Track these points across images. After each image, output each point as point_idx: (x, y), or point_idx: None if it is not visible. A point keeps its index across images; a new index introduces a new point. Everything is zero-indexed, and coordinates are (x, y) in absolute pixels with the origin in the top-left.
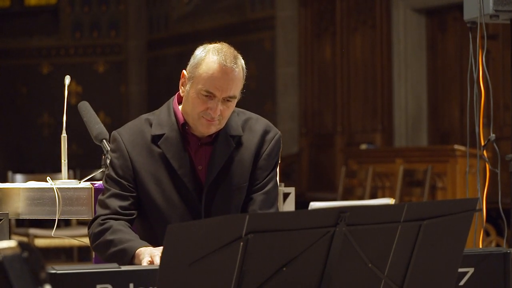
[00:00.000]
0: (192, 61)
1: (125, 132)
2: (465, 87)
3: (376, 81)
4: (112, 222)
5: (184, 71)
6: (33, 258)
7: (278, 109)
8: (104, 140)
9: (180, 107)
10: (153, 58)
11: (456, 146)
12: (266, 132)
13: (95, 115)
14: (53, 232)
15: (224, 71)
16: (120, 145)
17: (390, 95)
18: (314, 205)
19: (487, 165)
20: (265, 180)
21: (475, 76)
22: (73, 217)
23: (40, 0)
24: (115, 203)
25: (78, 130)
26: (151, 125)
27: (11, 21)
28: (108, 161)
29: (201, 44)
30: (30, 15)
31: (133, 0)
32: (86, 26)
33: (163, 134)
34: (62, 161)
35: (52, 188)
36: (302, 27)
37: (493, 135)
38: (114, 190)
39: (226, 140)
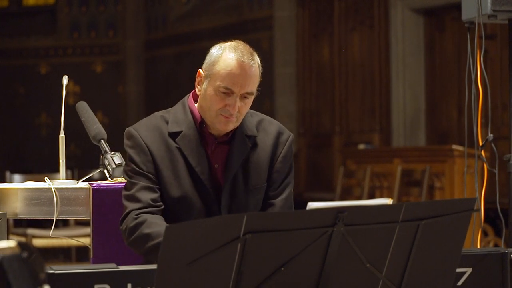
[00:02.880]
0: (209, 59)
1: (141, 128)
2: (463, 87)
3: (374, 81)
4: (146, 215)
5: (200, 70)
6: (32, 258)
7: (276, 109)
8: (102, 140)
9: (195, 105)
10: (151, 58)
11: (454, 146)
12: (280, 134)
13: (93, 115)
14: (51, 232)
15: (242, 67)
16: (139, 140)
17: (388, 95)
18: (312, 205)
19: (485, 165)
20: (283, 184)
21: (473, 76)
22: (71, 217)
23: (38, 0)
24: (146, 196)
25: (76, 130)
26: (167, 123)
27: (9, 21)
28: (106, 161)
29: (200, 44)
30: (28, 15)
31: (131, 0)
32: (84, 26)
33: (180, 132)
34: (60, 161)
35: (50, 188)
36: (300, 27)
37: (491, 135)
38: (142, 183)
39: (243, 139)
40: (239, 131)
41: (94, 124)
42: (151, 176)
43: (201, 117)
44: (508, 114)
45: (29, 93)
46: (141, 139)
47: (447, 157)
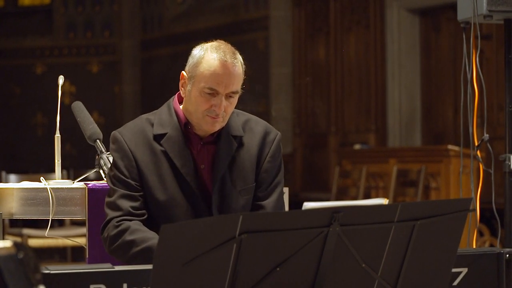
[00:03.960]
0: (191, 61)
1: (126, 132)
2: (458, 87)
3: (369, 81)
4: (128, 223)
5: (183, 72)
6: (28, 258)
7: (272, 109)
8: (97, 140)
9: (181, 106)
10: (147, 58)
11: (450, 146)
12: (266, 134)
13: (89, 115)
14: (46, 232)
15: (226, 67)
16: (123, 145)
17: (383, 95)
18: (307, 205)
19: (480, 165)
20: (272, 184)
21: (468, 76)
22: (67, 217)
23: (34, 0)
24: (126, 204)
25: (72, 130)
26: (152, 125)
27: (5, 21)
28: (102, 161)
29: (195, 44)
30: (24, 15)
31: (126, 0)
32: (80, 26)
33: (165, 134)
34: (56, 161)
35: (46, 188)
36: (296, 27)
37: (487, 135)
38: (122, 191)
39: (228, 139)
40: (225, 131)
41: (89, 124)
42: (133, 183)
43: (186, 118)
44: (504, 114)
45: (25, 93)
46: (125, 144)
47: (442, 157)
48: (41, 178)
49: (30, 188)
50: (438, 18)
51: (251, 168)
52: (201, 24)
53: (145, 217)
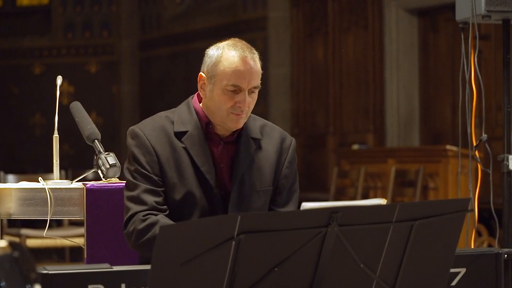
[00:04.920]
0: (209, 61)
1: (146, 128)
2: (457, 87)
3: (368, 82)
4: (155, 217)
5: (201, 73)
6: (23, 258)
7: (270, 110)
8: (96, 141)
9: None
10: (145, 58)
11: (448, 147)
12: (283, 140)
13: (87, 115)
14: (45, 232)
15: (246, 63)
16: (144, 140)
17: (382, 95)
18: (306, 205)
19: (479, 166)
20: (291, 190)
21: (467, 76)
22: (65, 218)
23: (32, 0)
24: (150, 199)
25: (70, 130)
26: (172, 123)
27: (3, 21)
28: (100, 162)
29: (194, 44)
30: (22, 15)
31: (125, 0)
32: (78, 26)
33: (186, 131)
34: (54, 161)
35: (44, 189)
36: (294, 27)
37: (485, 135)
38: (145, 185)
39: (248, 140)
40: (245, 132)
41: (88, 125)
42: (155, 178)
43: (206, 117)
44: (502, 114)
45: (23, 93)
46: (147, 139)
47: (441, 157)
48: (39, 178)
49: (28, 189)
50: (436, 18)
51: (269, 171)
52: (199, 25)
53: (167, 212)
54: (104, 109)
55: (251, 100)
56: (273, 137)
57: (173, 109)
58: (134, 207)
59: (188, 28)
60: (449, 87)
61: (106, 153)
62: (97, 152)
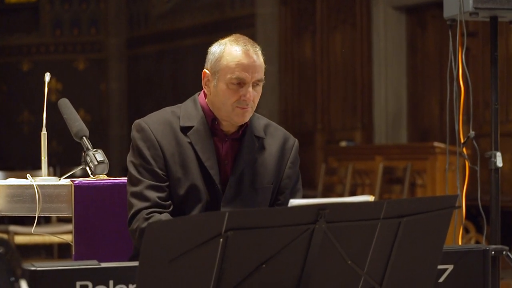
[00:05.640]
0: (212, 57)
1: (152, 122)
2: (445, 84)
3: (356, 79)
4: (159, 215)
5: (204, 70)
6: (9, 253)
7: (258, 107)
8: (84, 137)
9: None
10: (133, 55)
11: (436, 144)
12: (286, 140)
13: (75, 112)
14: (33, 229)
15: (249, 56)
16: (149, 134)
17: (370, 92)
18: (293, 202)
19: (466, 162)
20: (294, 189)
21: (454, 73)
22: (53, 214)
23: None
24: (153, 195)
25: (58, 127)
26: (178, 118)
27: None
28: (88, 158)
29: (182, 41)
30: (10, 13)
31: None
32: (66, 23)
33: (192, 126)
34: (42, 158)
35: (32, 185)
36: (282, 25)
37: (473, 132)
38: (149, 181)
39: (252, 138)
40: (249, 130)
41: (76, 121)
42: (160, 172)
43: (212, 113)
44: (490, 111)
45: (11, 91)
46: (152, 133)
47: (428, 154)
48: (28, 175)
49: (16, 185)
50: (424, 16)
51: (270, 170)
52: (187, 22)
53: (171, 208)
54: (92, 106)
55: (255, 94)
56: (276, 137)
57: (179, 104)
58: (138, 204)
59: (176, 25)
60: (437, 84)
61: (94, 150)
62: (85, 149)
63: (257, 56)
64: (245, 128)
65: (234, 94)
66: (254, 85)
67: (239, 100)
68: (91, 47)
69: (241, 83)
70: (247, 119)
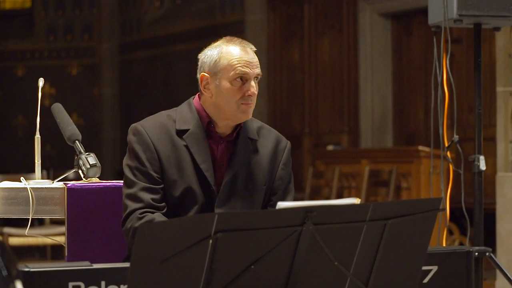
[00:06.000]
0: (208, 61)
1: (148, 125)
2: (429, 89)
3: (343, 84)
4: (152, 215)
5: (203, 73)
6: (3, 255)
7: None
8: (76, 141)
9: (201, 106)
10: (125, 61)
11: (421, 147)
12: (278, 142)
13: (68, 116)
14: (27, 230)
15: (248, 52)
16: (145, 137)
17: (356, 97)
18: (281, 204)
19: (450, 166)
20: (286, 191)
21: (439, 79)
22: (46, 216)
23: (15, 4)
24: (147, 196)
25: (51, 131)
26: (174, 121)
27: None
28: (81, 162)
29: (173, 47)
30: (5, 19)
31: (106, 4)
32: (60, 29)
33: (187, 130)
34: (36, 161)
35: (26, 188)
36: (271, 31)
37: (457, 136)
38: (143, 183)
39: (246, 140)
40: (243, 132)
41: (69, 126)
42: (155, 175)
43: (208, 116)
44: (474, 116)
45: (6, 95)
46: (148, 136)
47: (413, 158)
48: (22, 178)
49: (10, 188)
50: (410, 22)
51: (263, 171)
52: (179, 28)
53: (165, 210)
54: (85, 111)
55: (256, 89)
56: (269, 139)
57: (175, 108)
58: (132, 205)
59: (168, 31)
60: (422, 89)
61: (87, 153)
62: (77, 153)
63: (253, 52)
64: (239, 130)
65: (239, 91)
66: (255, 80)
67: (244, 96)
68: (84, 52)
69: (244, 79)
70: (250, 115)
